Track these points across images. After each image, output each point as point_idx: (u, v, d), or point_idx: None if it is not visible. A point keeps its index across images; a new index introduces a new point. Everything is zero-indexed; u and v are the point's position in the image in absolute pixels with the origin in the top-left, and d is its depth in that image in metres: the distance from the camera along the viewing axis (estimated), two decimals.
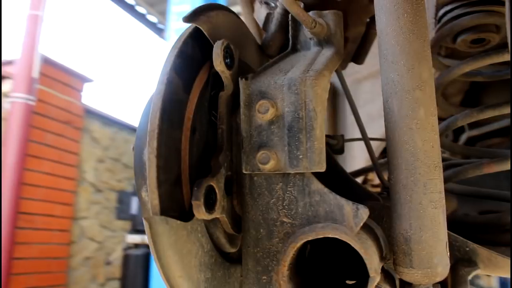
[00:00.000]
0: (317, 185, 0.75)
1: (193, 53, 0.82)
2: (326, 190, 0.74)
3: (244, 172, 0.79)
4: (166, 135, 0.73)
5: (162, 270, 0.71)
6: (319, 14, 0.93)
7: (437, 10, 1.13)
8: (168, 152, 0.74)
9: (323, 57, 0.87)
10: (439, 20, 1.12)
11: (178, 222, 0.72)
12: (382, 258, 0.83)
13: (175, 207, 0.75)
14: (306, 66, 0.80)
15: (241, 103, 0.79)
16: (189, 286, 0.75)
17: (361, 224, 0.72)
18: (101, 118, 5.91)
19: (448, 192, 1.22)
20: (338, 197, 0.73)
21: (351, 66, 1.94)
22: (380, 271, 0.77)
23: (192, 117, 0.80)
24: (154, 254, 0.70)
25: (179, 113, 0.77)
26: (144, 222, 0.69)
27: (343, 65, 1.17)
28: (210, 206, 0.74)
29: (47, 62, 4.77)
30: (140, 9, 8.57)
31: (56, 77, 4.94)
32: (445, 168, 1.14)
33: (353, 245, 0.70)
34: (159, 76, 0.75)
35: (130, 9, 8.46)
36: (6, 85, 4.46)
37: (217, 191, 0.76)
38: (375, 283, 0.71)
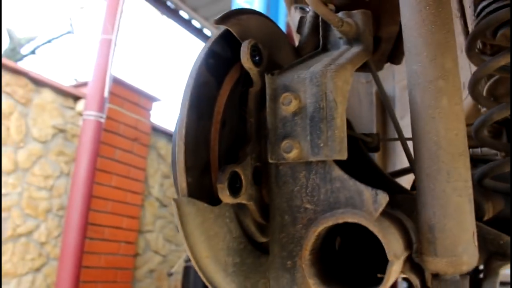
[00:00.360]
0: (338, 172, 0.77)
1: (223, 53, 0.88)
2: (346, 176, 0.77)
3: (270, 161, 0.83)
4: (195, 124, 0.79)
5: (189, 250, 0.77)
6: (347, 14, 0.96)
7: (476, 6, 1.12)
8: (197, 141, 0.79)
9: (349, 53, 0.90)
10: (477, 16, 1.11)
11: (205, 205, 0.77)
12: (409, 248, 0.83)
13: (204, 192, 0.80)
14: (330, 60, 0.84)
15: (267, 97, 0.84)
16: (216, 267, 0.80)
17: (381, 209, 0.73)
18: (168, 135, 6.17)
19: (494, 191, 1.19)
20: (358, 183, 0.75)
21: (400, 72, 1.94)
22: (403, 258, 0.78)
23: (222, 111, 0.86)
24: (182, 234, 0.76)
25: (209, 106, 0.83)
26: (173, 203, 0.74)
27: (379, 66, 1.18)
28: (235, 190, 0.79)
29: (117, 82, 5.08)
30: (207, 32, 8.89)
31: (125, 97, 5.24)
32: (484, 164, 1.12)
33: (371, 229, 0.71)
34: (189, 72, 0.82)
35: (198, 32, 8.81)
36: (80, 105, 4.80)
37: (242, 177, 0.80)
38: (395, 268, 0.72)
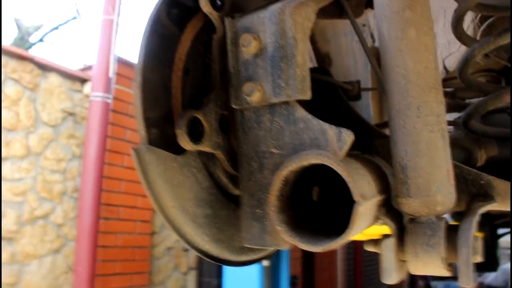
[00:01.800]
0: (301, 112, 0.74)
1: (184, 1, 0.84)
2: (309, 116, 0.73)
3: (233, 106, 0.80)
4: (153, 72, 0.76)
5: (153, 199, 0.74)
6: None
7: None
8: (156, 88, 0.77)
9: None
10: None
11: (166, 152, 0.75)
12: (385, 192, 0.80)
13: (167, 142, 0.78)
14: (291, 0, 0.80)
15: (228, 41, 0.80)
16: (184, 218, 0.77)
17: (346, 147, 0.69)
18: None
19: (485, 136, 1.14)
20: (321, 122, 0.72)
21: None
22: (375, 201, 0.75)
23: (184, 58, 0.83)
24: (144, 184, 0.73)
25: (168, 53, 0.80)
26: (132, 153, 0.72)
27: (358, 11, 1.13)
28: (196, 137, 0.76)
29: (123, 63, 5.07)
30: None
31: (132, 77, 5.23)
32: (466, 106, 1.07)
33: (335, 168, 0.68)
34: (147, 20, 0.79)
35: None
36: (87, 87, 4.81)
37: (204, 124, 0.77)
38: (362, 209, 0.68)
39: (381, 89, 0.99)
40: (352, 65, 1.90)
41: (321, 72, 1.03)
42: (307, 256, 7.69)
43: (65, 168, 4.58)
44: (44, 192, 4.39)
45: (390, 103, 0.75)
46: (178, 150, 0.78)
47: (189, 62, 0.83)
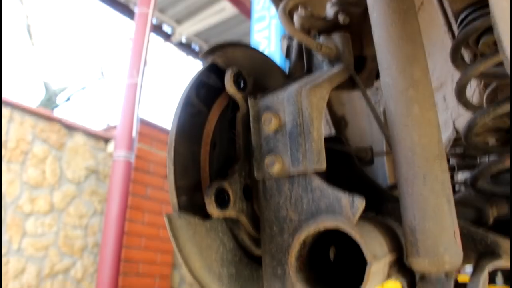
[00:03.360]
0: (317, 182, 0.82)
1: (211, 82, 0.95)
2: (325, 185, 0.81)
3: (256, 177, 0.89)
4: (184, 147, 0.86)
5: (184, 261, 0.83)
6: (327, 38, 1.03)
7: (456, 18, 1.17)
8: (187, 162, 0.86)
9: (328, 73, 0.96)
10: (459, 26, 1.15)
11: (196, 218, 0.83)
12: (397, 251, 0.86)
13: (196, 209, 0.86)
14: (308, 81, 0.90)
15: (251, 118, 0.91)
16: (211, 278, 0.85)
17: (358, 213, 0.77)
18: None
19: (495, 196, 1.20)
20: (336, 191, 0.80)
21: None
22: (387, 261, 0.81)
23: (211, 134, 0.93)
24: (175, 247, 0.82)
25: (197, 131, 0.90)
26: (165, 219, 0.81)
27: (369, 83, 1.23)
28: (222, 204, 0.85)
29: (145, 123, 5.27)
30: None
31: (154, 136, 5.42)
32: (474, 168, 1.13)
33: (348, 233, 0.75)
34: (178, 101, 0.90)
35: None
36: (111, 146, 5.00)
37: (230, 192, 0.86)
38: (374, 269, 0.75)
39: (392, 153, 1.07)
40: (367, 127, 1.99)
41: (337, 141, 1.13)
42: None
43: (87, 223, 4.68)
44: (65, 247, 4.48)
45: (399, 172, 0.83)
46: (206, 215, 0.87)
47: (216, 137, 0.93)
